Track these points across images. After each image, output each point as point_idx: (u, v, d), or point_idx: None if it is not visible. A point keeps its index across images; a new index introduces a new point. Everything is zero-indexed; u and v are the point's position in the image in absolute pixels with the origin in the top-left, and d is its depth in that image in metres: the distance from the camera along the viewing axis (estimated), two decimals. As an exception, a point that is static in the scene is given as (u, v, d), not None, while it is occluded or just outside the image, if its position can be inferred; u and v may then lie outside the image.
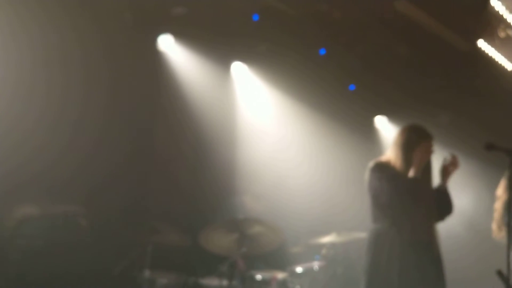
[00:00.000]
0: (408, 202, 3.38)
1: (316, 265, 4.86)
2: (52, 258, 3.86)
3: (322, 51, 5.84)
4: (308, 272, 4.81)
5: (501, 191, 4.91)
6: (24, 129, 3.98)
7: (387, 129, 6.94)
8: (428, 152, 3.50)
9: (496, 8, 5.25)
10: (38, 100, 4.07)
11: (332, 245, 5.02)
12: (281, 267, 4.70)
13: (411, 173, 3.43)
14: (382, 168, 3.45)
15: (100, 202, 4.28)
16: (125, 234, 4.28)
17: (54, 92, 4.18)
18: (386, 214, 3.42)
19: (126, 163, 4.50)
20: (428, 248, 3.46)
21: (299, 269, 4.79)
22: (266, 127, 5.82)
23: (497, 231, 4.81)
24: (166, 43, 5.16)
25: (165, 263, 4.35)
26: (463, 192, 5.80)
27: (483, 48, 5.94)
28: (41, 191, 4.00)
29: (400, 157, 3.49)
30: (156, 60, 5.11)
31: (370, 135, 6.87)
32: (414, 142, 3.47)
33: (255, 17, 5.29)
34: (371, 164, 3.53)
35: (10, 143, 3.86)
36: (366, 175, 3.52)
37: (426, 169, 3.53)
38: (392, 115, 6.84)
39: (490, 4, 5.09)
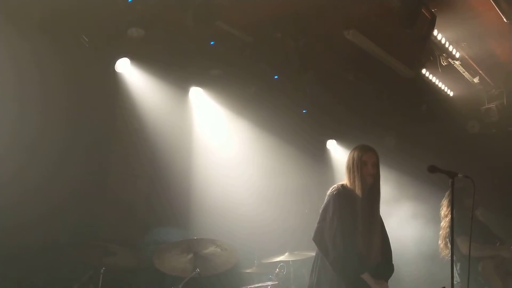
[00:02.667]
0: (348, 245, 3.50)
1: (269, 284, 4.94)
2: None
3: (275, 76, 6.03)
4: (261, 291, 4.88)
5: (445, 210, 5.19)
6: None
7: (337, 151, 7.19)
8: (372, 165, 3.66)
9: (438, 38, 5.58)
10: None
11: (284, 264, 5.14)
12: (235, 287, 4.75)
13: (358, 191, 3.60)
14: (338, 199, 3.58)
15: (52, 224, 4.21)
16: (77, 257, 4.23)
17: (8, 115, 4.11)
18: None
19: (80, 185, 4.47)
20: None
21: (252, 289, 4.86)
22: (220, 148, 5.90)
23: (444, 248, 5.05)
24: (123, 66, 5.18)
25: (118, 285, 4.32)
26: (410, 211, 6.07)
27: (427, 76, 6.30)
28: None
29: (350, 178, 3.68)
30: (113, 82, 5.11)
31: (321, 157, 7.08)
32: (357, 158, 3.67)
33: (211, 42, 5.42)
34: (330, 190, 3.68)
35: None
36: (326, 199, 3.68)
37: (374, 188, 3.70)
38: (342, 138, 7.10)
39: (432, 34, 5.39)
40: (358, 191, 3.61)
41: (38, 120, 4.28)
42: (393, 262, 3.75)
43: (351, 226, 3.54)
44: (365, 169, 3.63)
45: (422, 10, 4.73)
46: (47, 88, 4.38)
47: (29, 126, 4.22)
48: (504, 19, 4.98)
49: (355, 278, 3.50)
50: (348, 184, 3.67)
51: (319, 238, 3.63)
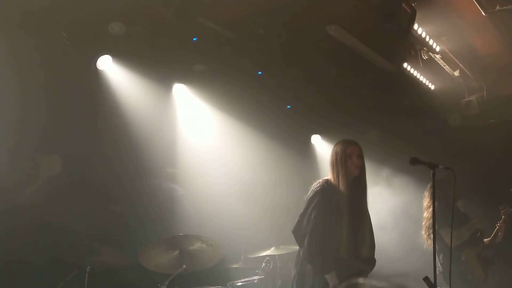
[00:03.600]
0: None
1: (256, 278, 4.98)
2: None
3: (259, 72, 6.05)
4: (248, 286, 4.92)
5: (427, 201, 5.28)
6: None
7: (321, 147, 7.23)
8: (357, 156, 3.67)
9: (419, 33, 5.64)
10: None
11: (271, 259, 5.18)
12: (222, 282, 4.77)
13: (343, 186, 3.62)
14: (320, 195, 3.59)
15: (34, 223, 4.17)
16: (63, 255, 4.20)
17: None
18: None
19: (63, 183, 4.43)
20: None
21: (239, 284, 4.89)
22: (205, 145, 5.90)
23: (427, 239, 5.14)
24: (105, 63, 5.14)
25: (104, 283, 4.31)
26: (393, 203, 6.14)
27: (408, 70, 6.37)
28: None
29: (334, 173, 3.69)
30: (95, 80, 5.07)
31: (306, 152, 7.12)
32: (341, 152, 3.68)
33: (194, 39, 5.41)
34: (315, 185, 3.69)
35: None
36: (309, 193, 3.69)
37: (360, 180, 3.71)
38: (326, 133, 7.15)
39: (413, 29, 5.45)
40: (342, 186, 3.61)
41: (16, 119, 4.21)
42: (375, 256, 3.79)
43: (332, 222, 3.54)
44: (350, 161, 3.64)
45: (402, 4, 4.78)
46: (25, 87, 4.30)
47: (6, 126, 4.16)
48: (483, 13, 5.07)
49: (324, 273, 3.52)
50: (332, 180, 3.67)
51: (297, 230, 3.67)
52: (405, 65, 6.28)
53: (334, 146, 3.77)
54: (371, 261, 3.74)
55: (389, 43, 5.73)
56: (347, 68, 6.18)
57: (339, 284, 3.48)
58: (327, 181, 3.69)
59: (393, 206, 5.97)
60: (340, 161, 3.65)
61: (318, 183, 3.69)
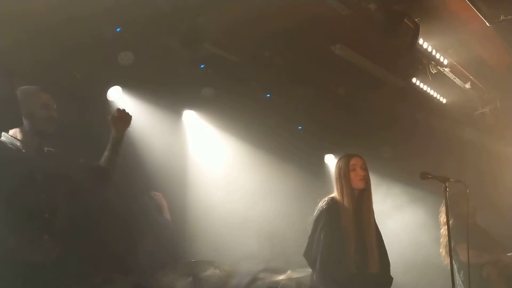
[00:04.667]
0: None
1: (272, 302, 4.91)
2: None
3: (268, 95, 6.08)
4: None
5: (443, 217, 5.17)
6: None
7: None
8: (360, 167, 3.64)
9: (425, 47, 5.63)
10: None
11: (286, 282, 5.10)
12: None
13: (348, 201, 3.58)
14: (327, 213, 3.57)
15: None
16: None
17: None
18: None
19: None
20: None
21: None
22: (216, 170, 5.90)
23: (446, 256, 5.01)
24: (115, 94, 5.22)
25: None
26: (410, 219, 6.04)
27: (417, 84, 6.34)
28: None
29: (338, 188, 3.66)
30: (105, 110, 5.14)
31: (320, 172, 7.07)
32: (344, 165, 3.67)
33: (202, 66, 5.49)
34: (320, 203, 3.68)
35: None
36: (315, 212, 3.68)
37: (365, 194, 3.67)
38: (339, 152, 7.09)
39: (418, 43, 5.45)
40: (347, 201, 3.57)
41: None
42: (391, 273, 3.71)
43: (340, 240, 3.50)
44: (354, 174, 3.62)
45: (405, 20, 4.80)
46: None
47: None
48: (487, 24, 5.04)
49: None
50: (337, 195, 3.65)
51: (308, 253, 3.64)
52: (414, 80, 6.26)
53: (337, 161, 3.78)
54: (386, 278, 3.65)
55: (395, 59, 5.73)
56: (356, 85, 6.18)
57: None
58: (332, 198, 3.66)
59: (410, 222, 5.87)
60: (344, 174, 3.63)
61: (323, 202, 3.66)
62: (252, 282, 5.29)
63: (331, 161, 7.27)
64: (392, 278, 3.69)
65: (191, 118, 5.88)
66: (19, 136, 3.02)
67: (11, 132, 3.02)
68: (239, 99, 5.73)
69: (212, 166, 5.91)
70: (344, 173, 3.63)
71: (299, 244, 5.89)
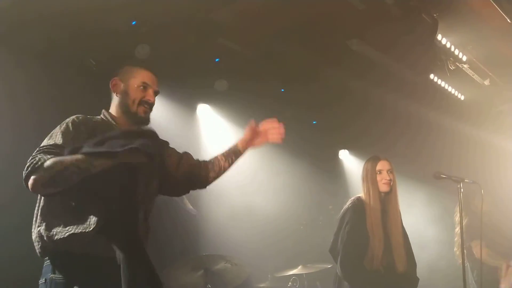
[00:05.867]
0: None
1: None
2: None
3: (282, 90, 6.06)
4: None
5: (458, 216, 5.10)
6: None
7: (350, 162, 7.14)
8: (387, 171, 3.70)
9: (443, 43, 5.53)
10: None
11: (298, 278, 5.11)
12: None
13: (375, 202, 3.62)
14: (352, 212, 3.64)
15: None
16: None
17: (4, 146, 4.13)
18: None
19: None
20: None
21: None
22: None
23: (459, 255, 4.96)
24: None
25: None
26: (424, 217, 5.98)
27: (435, 81, 6.23)
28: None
29: (365, 189, 3.74)
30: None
31: (334, 168, 7.04)
32: (371, 168, 3.73)
33: (216, 59, 5.49)
34: (347, 203, 3.76)
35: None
36: (342, 211, 3.76)
37: (391, 196, 3.73)
38: (354, 148, 7.05)
39: (436, 39, 5.36)
40: (374, 202, 3.64)
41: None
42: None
43: (365, 238, 3.57)
44: (380, 177, 3.69)
45: (423, 15, 4.72)
46: (43, 113, 4.40)
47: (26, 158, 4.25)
48: (508, 20, 4.93)
49: None
50: (363, 196, 3.72)
51: (333, 249, 3.72)
52: (431, 76, 6.15)
53: (365, 163, 3.83)
54: (412, 279, 3.68)
55: (412, 55, 5.63)
56: (372, 81, 6.10)
57: None
58: (358, 198, 3.75)
59: (422, 220, 5.82)
60: (371, 177, 3.71)
61: (350, 201, 3.76)
62: (263, 276, 5.32)
63: (345, 156, 7.23)
64: (418, 279, 3.73)
65: (205, 112, 5.89)
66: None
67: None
68: (254, 93, 5.74)
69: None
70: (370, 175, 3.71)
71: (310, 239, 5.93)
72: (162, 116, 5.34)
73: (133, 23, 4.72)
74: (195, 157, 2.89)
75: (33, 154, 2.17)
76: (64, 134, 2.29)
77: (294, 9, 4.61)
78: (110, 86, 2.61)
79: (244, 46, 5.30)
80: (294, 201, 6.29)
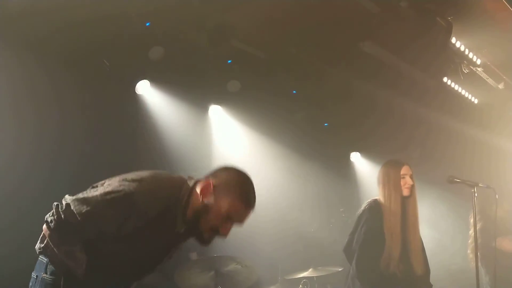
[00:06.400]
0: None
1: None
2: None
3: (294, 91, 6.05)
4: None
5: (473, 220, 5.07)
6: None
7: (361, 164, 7.10)
8: (410, 177, 3.70)
9: (457, 46, 5.49)
10: (10, 146, 4.07)
11: (308, 280, 5.10)
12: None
13: (394, 206, 3.63)
14: (369, 214, 3.67)
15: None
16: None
17: (26, 138, 4.19)
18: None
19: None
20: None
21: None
22: (241, 165, 5.90)
23: (473, 259, 4.92)
24: (143, 88, 5.26)
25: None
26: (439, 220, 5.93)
27: (449, 84, 6.20)
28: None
29: (385, 193, 3.72)
30: (134, 104, 5.21)
31: (345, 170, 7.01)
32: (395, 173, 3.72)
33: (229, 61, 5.51)
34: (364, 205, 3.78)
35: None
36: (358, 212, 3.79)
37: (410, 200, 3.72)
38: (366, 150, 7.02)
39: (451, 42, 5.33)
40: (394, 206, 3.64)
41: (56, 148, 4.37)
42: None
43: (382, 240, 3.58)
44: (403, 182, 3.68)
45: (437, 18, 4.70)
46: (65, 114, 4.48)
47: (47, 155, 4.31)
48: (524, 23, 4.88)
49: None
50: (382, 199, 3.71)
51: (348, 249, 3.77)
52: (445, 79, 6.12)
53: (385, 167, 3.80)
54: (426, 283, 3.69)
55: (426, 58, 5.60)
56: (385, 84, 6.08)
57: None
58: (375, 200, 3.76)
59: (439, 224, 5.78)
60: (394, 181, 3.69)
61: (366, 203, 3.77)
62: (273, 278, 5.32)
63: (357, 159, 7.20)
64: (431, 285, 3.73)
65: (217, 113, 5.90)
66: None
67: None
68: (265, 95, 5.74)
69: (237, 161, 5.89)
70: (394, 180, 3.70)
71: (321, 242, 5.91)
72: (175, 117, 5.37)
73: (147, 24, 4.75)
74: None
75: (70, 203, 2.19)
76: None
77: (306, 11, 4.60)
78: (202, 185, 2.22)
79: (256, 47, 5.32)
80: (305, 204, 6.27)
